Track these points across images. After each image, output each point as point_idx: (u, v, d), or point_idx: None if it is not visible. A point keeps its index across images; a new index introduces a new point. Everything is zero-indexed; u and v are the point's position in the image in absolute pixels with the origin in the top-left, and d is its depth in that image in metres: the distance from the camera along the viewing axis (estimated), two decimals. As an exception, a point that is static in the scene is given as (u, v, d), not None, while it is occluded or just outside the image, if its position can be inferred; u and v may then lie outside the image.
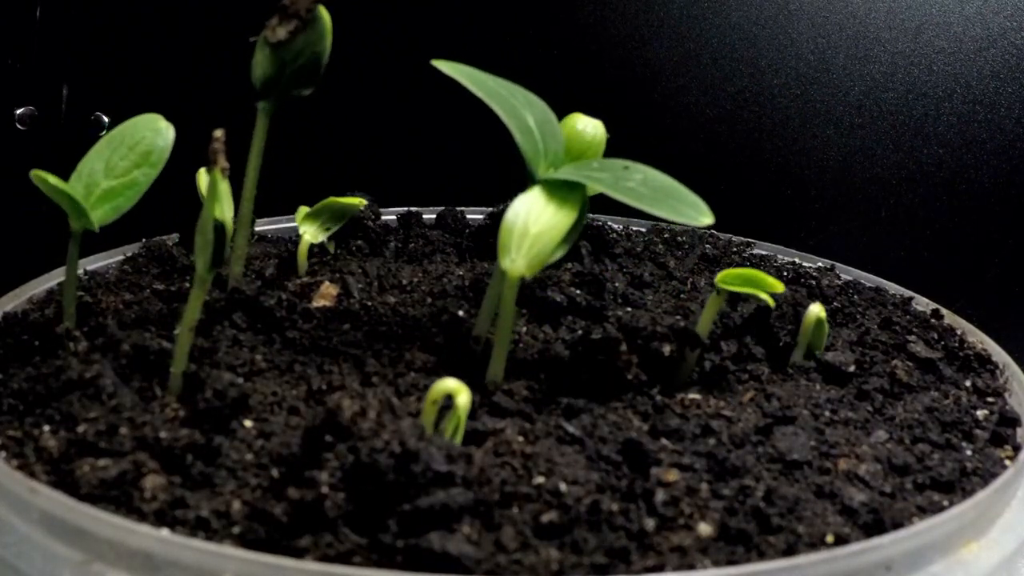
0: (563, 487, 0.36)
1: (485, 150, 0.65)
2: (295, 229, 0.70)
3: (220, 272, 0.51)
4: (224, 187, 0.40)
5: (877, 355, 0.53)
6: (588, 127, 0.58)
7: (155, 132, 0.49)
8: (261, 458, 0.38)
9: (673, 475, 0.37)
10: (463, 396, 0.37)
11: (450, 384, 0.37)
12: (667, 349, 0.45)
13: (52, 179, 0.44)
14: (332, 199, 0.61)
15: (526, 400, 0.43)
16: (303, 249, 0.60)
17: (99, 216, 0.47)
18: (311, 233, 0.61)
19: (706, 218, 0.41)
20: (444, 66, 0.44)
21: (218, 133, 0.38)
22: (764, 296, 0.47)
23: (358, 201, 0.63)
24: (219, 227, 0.40)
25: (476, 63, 0.46)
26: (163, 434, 0.38)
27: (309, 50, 0.48)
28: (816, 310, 0.51)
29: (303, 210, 0.62)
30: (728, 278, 0.48)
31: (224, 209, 0.40)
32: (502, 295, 0.43)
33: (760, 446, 0.41)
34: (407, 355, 0.46)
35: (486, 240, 0.67)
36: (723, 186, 0.86)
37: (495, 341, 0.44)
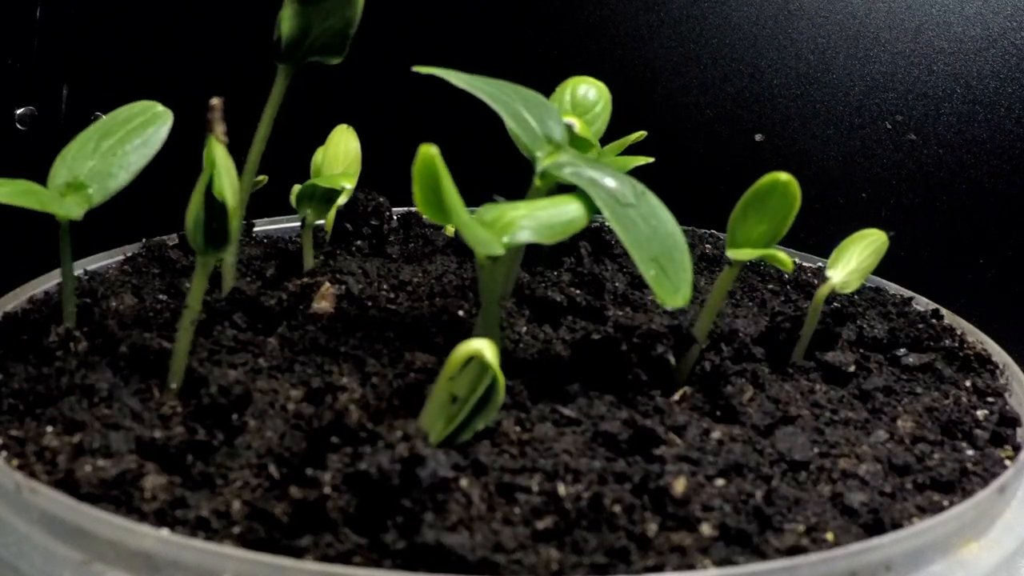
0: (561, 489, 0.36)
1: (486, 151, 0.65)
2: (295, 229, 0.70)
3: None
4: (223, 159, 0.37)
5: (877, 355, 0.53)
6: (590, 92, 0.56)
7: (153, 116, 0.47)
8: (262, 458, 0.38)
9: (682, 485, 0.37)
10: (490, 352, 0.36)
11: (474, 345, 0.35)
12: (662, 348, 0.45)
13: None
14: (312, 182, 0.59)
15: (526, 396, 0.43)
16: (307, 237, 0.60)
17: (82, 199, 0.45)
18: (311, 215, 0.60)
19: (679, 301, 0.38)
20: (425, 70, 0.44)
21: (215, 101, 0.37)
22: (782, 258, 0.43)
23: (340, 180, 0.60)
24: (219, 202, 0.38)
25: (476, 63, 0.46)
26: (163, 434, 0.38)
27: (338, 12, 0.46)
28: (827, 286, 0.51)
29: (296, 190, 0.61)
30: (738, 235, 0.44)
31: (223, 183, 0.38)
32: (480, 279, 0.41)
33: (760, 446, 0.41)
34: (407, 355, 0.46)
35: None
36: (723, 186, 0.86)
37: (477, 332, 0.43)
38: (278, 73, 0.49)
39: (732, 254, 0.44)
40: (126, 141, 0.46)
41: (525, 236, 0.40)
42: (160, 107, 0.48)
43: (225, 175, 0.37)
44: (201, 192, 0.38)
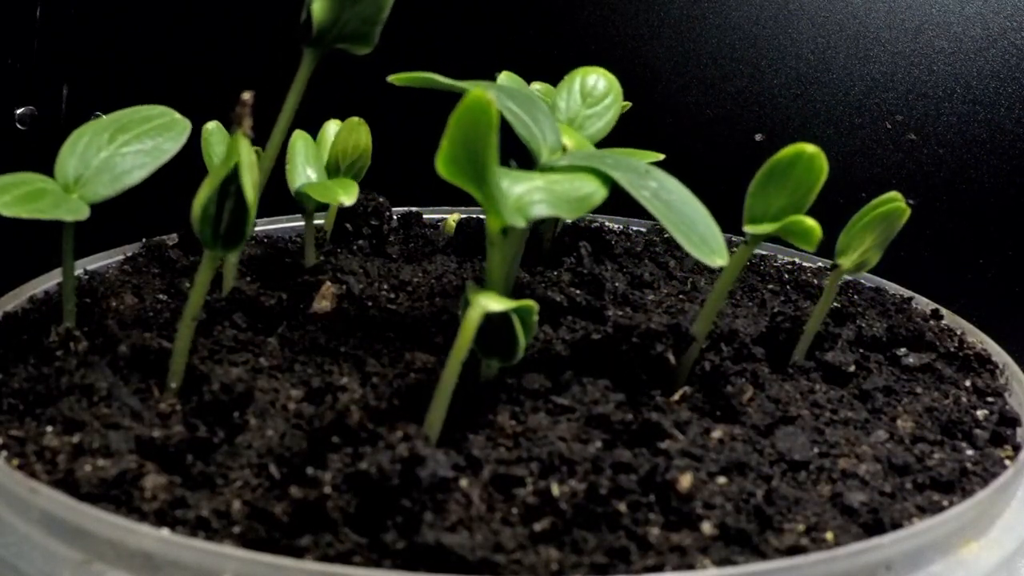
0: (555, 490, 0.36)
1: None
2: (295, 229, 0.70)
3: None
4: (248, 154, 0.36)
5: (877, 355, 0.53)
6: (600, 83, 0.53)
7: (171, 122, 0.45)
8: (262, 457, 0.38)
9: (688, 480, 0.37)
10: (497, 303, 0.34)
11: (481, 305, 0.34)
12: (662, 347, 0.45)
13: None
14: (307, 189, 0.57)
15: (524, 395, 0.43)
16: (309, 228, 0.59)
17: (92, 191, 0.43)
18: (311, 204, 0.58)
19: (718, 259, 0.37)
20: (400, 79, 0.43)
21: (246, 95, 0.36)
22: (808, 225, 0.40)
23: (338, 194, 0.56)
24: (235, 198, 0.37)
25: (476, 63, 0.46)
26: (163, 433, 0.38)
27: None
28: (838, 273, 0.49)
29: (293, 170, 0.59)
30: (756, 209, 0.41)
31: (246, 179, 0.36)
32: (488, 256, 0.39)
33: (760, 446, 0.41)
34: (407, 355, 0.46)
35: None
36: (723, 186, 0.86)
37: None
38: (303, 59, 0.46)
39: (750, 229, 0.42)
40: (142, 140, 0.44)
41: (541, 210, 0.38)
42: (178, 115, 0.46)
43: (248, 172, 0.36)
44: (214, 184, 0.37)
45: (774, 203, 0.41)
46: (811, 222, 0.40)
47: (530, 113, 0.44)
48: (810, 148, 0.40)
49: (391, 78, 0.44)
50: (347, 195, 0.54)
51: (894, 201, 0.47)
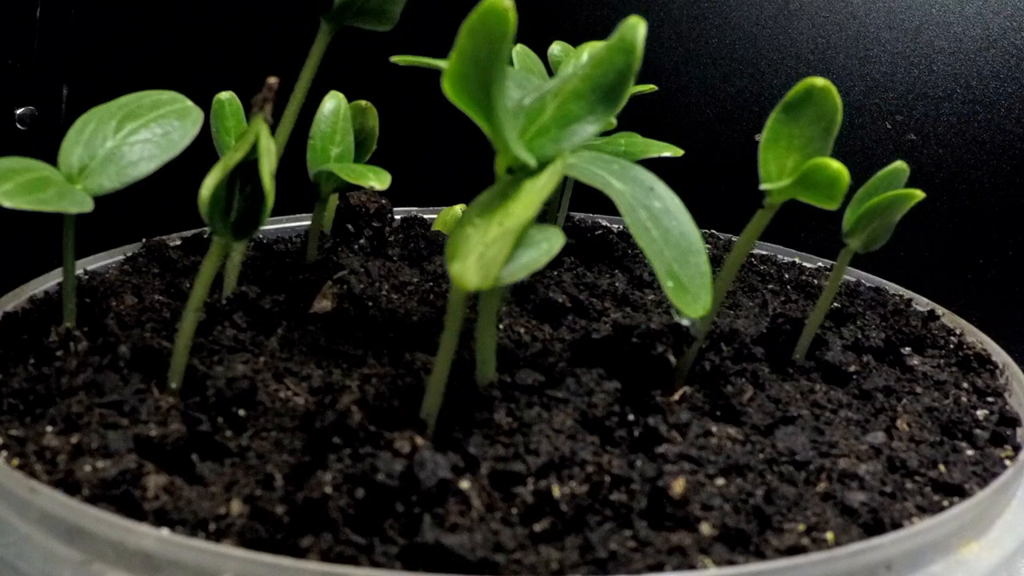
0: (556, 491, 0.36)
1: (486, 150, 0.65)
2: (295, 229, 0.70)
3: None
4: (267, 141, 0.35)
5: (877, 355, 0.53)
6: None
7: (183, 109, 0.43)
8: (262, 458, 0.38)
9: (680, 485, 0.37)
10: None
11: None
12: (662, 347, 0.45)
13: None
14: (330, 169, 0.54)
15: (521, 394, 0.43)
16: (318, 214, 0.59)
17: (97, 183, 0.40)
18: (327, 190, 0.57)
19: (699, 310, 0.34)
20: (404, 60, 0.42)
21: (272, 80, 0.35)
22: (834, 169, 0.36)
23: (369, 179, 0.53)
24: (255, 182, 0.35)
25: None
26: (163, 433, 0.38)
27: None
28: (848, 253, 0.47)
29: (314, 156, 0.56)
30: (772, 165, 0.36)
31: (264, 165, 0.34)
32: (481, 303, 0.36)
33: (760, 446, 0.41)
34: (407, 355, 0.46)
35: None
36: (723, 186, 0.86)
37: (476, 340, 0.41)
38: (319, 32, 0.44)
39: (767, 186, 0.38)
40: (150, 127, 0.42)
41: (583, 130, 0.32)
42: (189, 102, 0.43)
43: (266, 158, 0.35)
44: (226, 168, 0.36)
45: (790, 155, 0.38)
46: (836, 165, 0.35)
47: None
48: (820, 82, 0.37)
49: (395, 58, 0.43)
50: (379, 180, 0.50)
51: (900, 175, 0.44)
